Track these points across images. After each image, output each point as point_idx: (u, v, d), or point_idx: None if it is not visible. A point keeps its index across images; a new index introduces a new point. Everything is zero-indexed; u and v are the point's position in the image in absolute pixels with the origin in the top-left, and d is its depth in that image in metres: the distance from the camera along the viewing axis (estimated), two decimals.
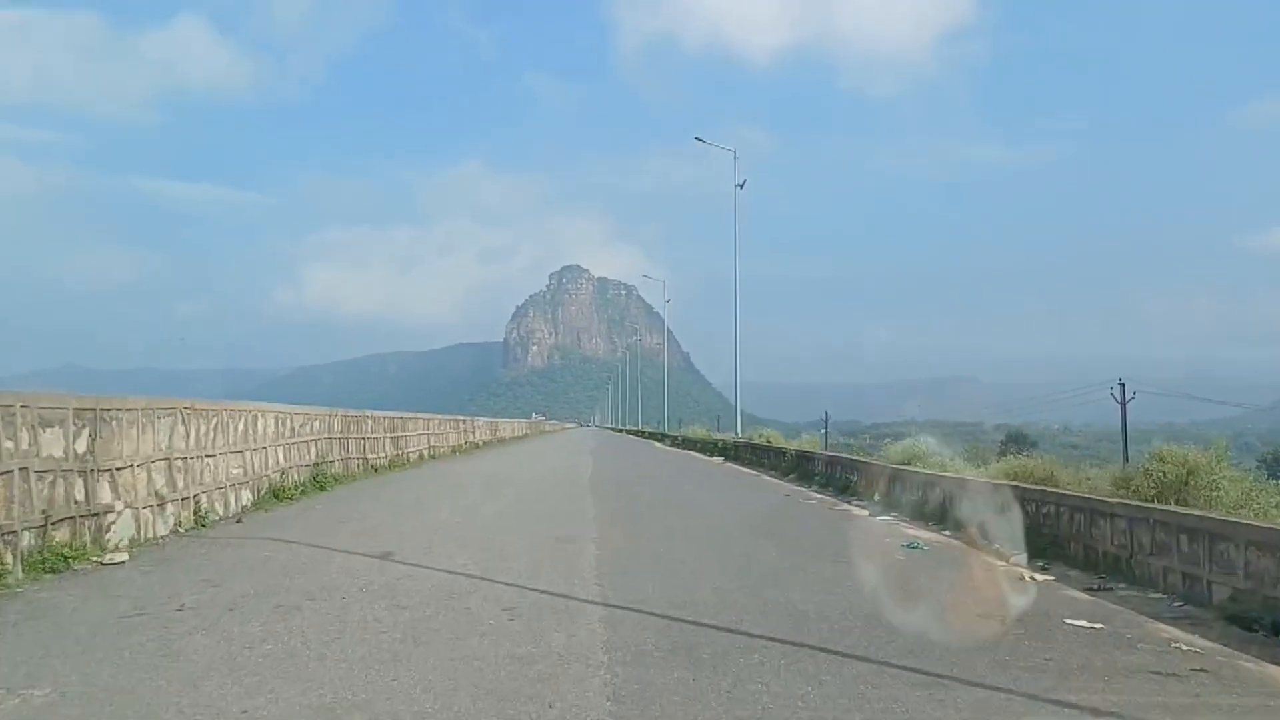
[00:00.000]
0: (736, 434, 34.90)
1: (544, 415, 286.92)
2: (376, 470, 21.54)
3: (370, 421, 21.75)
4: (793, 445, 26.87)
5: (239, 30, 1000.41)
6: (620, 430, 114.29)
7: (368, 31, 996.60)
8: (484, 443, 43.78)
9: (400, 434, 25.21)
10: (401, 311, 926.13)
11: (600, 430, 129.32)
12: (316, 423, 17.26)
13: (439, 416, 32.15)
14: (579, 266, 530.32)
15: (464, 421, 38.40)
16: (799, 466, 22.99)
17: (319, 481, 16.55)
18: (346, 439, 19.52)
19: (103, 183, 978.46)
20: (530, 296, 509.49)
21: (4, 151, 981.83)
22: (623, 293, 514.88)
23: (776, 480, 22.39)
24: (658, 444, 55.06)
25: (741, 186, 36.28)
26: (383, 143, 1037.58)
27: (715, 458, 32.78)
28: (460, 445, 35.47)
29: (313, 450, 16.93)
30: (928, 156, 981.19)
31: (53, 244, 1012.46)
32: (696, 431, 51.16)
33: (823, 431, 51.88)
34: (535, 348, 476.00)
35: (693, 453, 38.90)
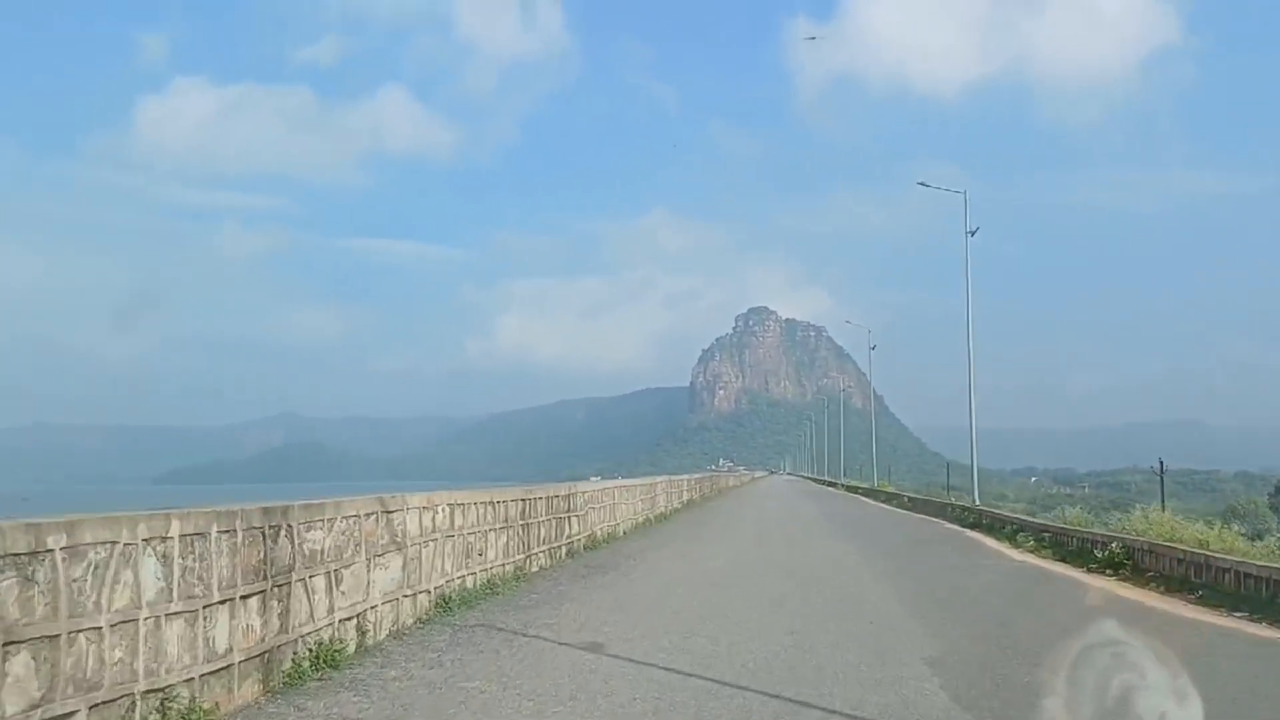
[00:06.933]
0: None
1: (731, 462, 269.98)
2: None
3: None
4: None
5: (436, 98, 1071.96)
6: (833, 484, 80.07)
7: (556, 92, 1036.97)
8: (542, 563, 14.61)
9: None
10: (590, 358, 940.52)
11: (798, 481, 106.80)
12: None
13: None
14: (766, 309, 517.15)
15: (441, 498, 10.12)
16: None
17: None
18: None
19: (314, 243, 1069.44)
20: (717, 340, 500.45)
21: (226, 217, 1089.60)
22: (811, 334, 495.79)
23: None
24: (1013, 552, 18.02)
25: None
26: (571, 196, 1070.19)
27: None
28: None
29: None
30: (1135, 186, 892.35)
31: (270, 302, 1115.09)
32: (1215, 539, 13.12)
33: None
34: (722, 392, 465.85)
35: None
